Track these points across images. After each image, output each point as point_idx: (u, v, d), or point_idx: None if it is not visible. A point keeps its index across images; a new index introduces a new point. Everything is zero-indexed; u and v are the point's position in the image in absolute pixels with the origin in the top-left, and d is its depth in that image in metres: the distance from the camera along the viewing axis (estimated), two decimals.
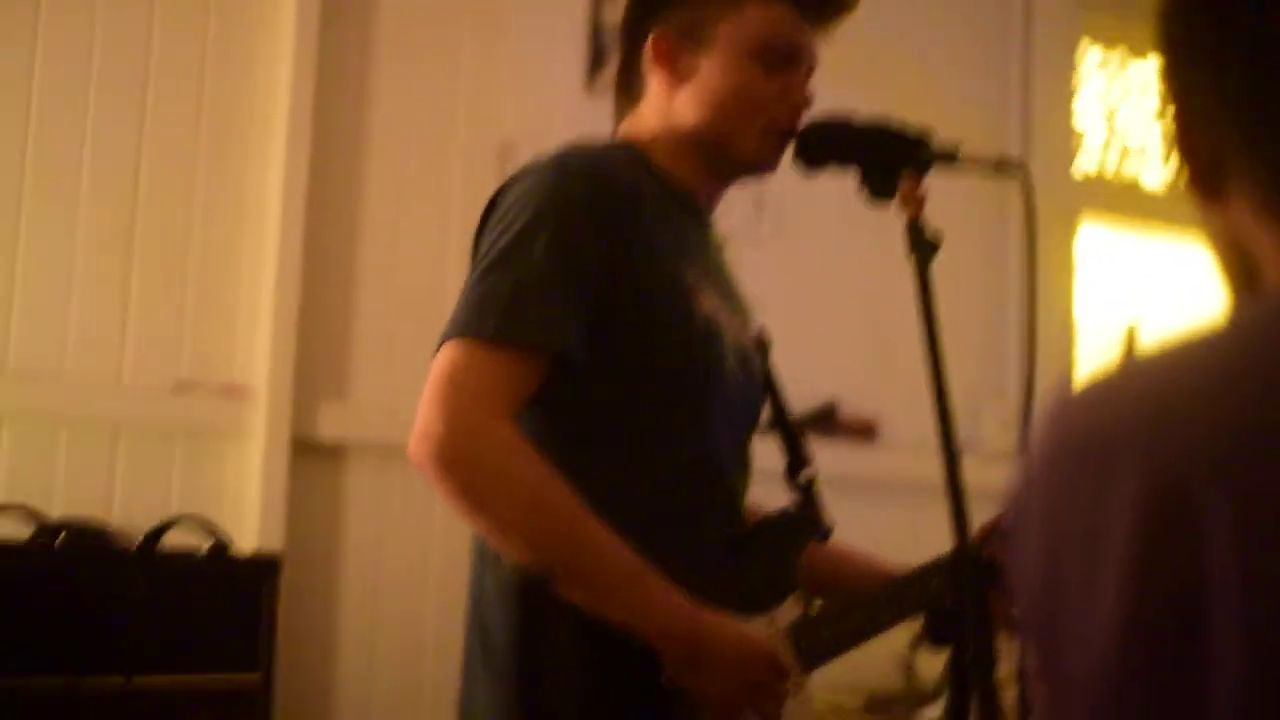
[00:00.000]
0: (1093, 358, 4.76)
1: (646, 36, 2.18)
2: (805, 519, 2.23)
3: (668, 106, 2.16)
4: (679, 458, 2.05)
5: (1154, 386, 0.79)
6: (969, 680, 1.66)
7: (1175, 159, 0.94)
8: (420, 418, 1.89)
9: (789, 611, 2.08)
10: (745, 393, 2.17)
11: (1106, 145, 4.94)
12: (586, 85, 3.94)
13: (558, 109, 3.89)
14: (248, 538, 3.28)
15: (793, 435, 2.33)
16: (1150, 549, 0.74)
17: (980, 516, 1.86)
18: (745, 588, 2.05)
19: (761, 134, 2.13)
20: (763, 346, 2.31)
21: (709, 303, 2.08)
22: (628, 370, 2.01)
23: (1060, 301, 4.64)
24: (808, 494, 2.30)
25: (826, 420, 4.34)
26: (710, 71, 2.14)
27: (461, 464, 1.87)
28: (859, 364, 4.42)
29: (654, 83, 2.18)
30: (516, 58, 3.90)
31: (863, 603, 2.14)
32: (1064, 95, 4.84)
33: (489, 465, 1.88)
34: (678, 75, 2.15)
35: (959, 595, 1.68)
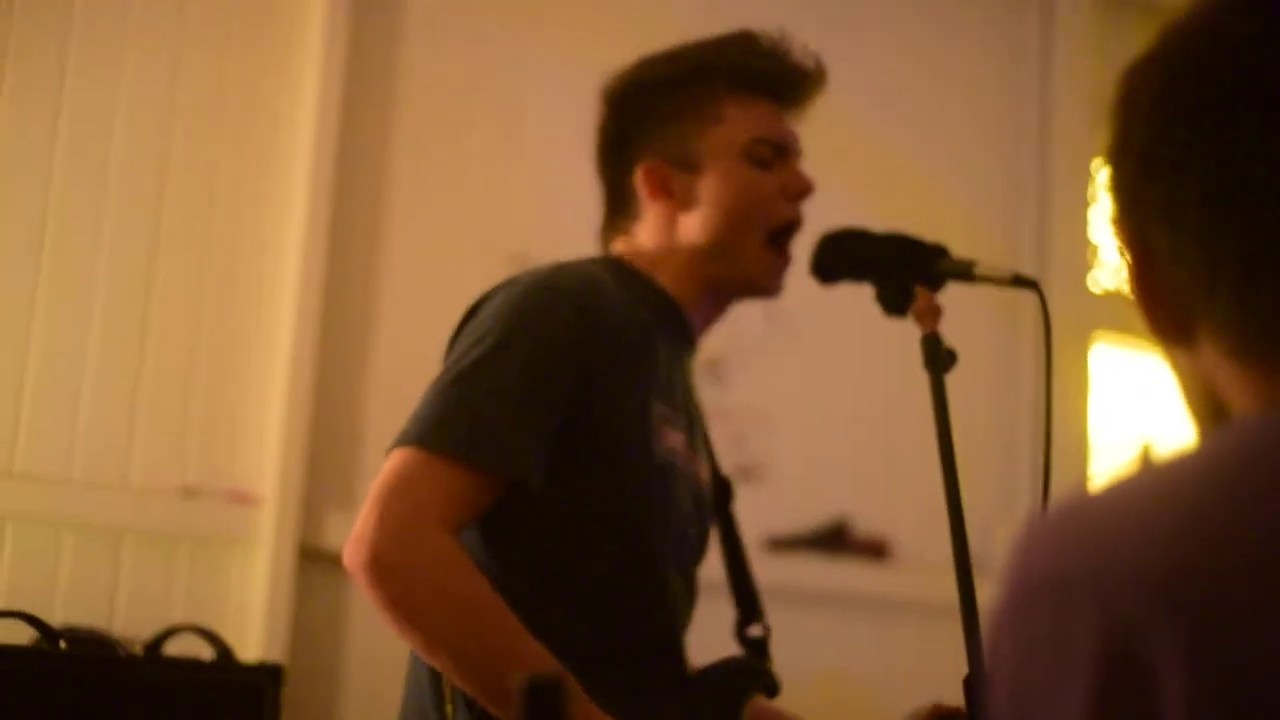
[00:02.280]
0: (1106, 477, 4.72)
1: (631, 168, 2.17)
2: (754, 671, 2.18)
3: (671, 231, 2.15)
4: (624, 592, 2.00)
5: (1109, 523, 0.78)
6: None
7: (1139, 305, 0.93)
8: (359, 522, 1.84)
9: None
10: (694, 528, 2.13)
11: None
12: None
13: (571, 217, 3.88)
14: (251, 647, 3.25)
15: (747, 588, 2.29)
16: (1106, 694, 0.73)
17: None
18: None
19: (761, 248, 2.13)
20: (726, 491, 2.27)
21: (671, 439, 2.05)
22: (578, 501, 1.96)
23: (1074, 418, 4.61)
24: (758, 649, 2.26)
25: (837, 539, 4.31)
26: (710, 188, 2.14)
27: (395, 574, 1.81)
28: (870, 481, 4.40)
29: (652, 211, 2.17)
30: (530, 166, 3.92)
31: None
32: (1079, 209, 4.84)
33: (423, 577, 1.82)
34: (676, 201, 2.14)
35: (973, 717, 1.65)
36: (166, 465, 3.37)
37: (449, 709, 1.90)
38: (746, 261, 2.14)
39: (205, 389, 3.44)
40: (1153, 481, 0.80)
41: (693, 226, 2.13)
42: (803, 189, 2.17)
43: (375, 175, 3.73)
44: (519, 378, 1.90)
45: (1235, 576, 0.72)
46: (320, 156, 3.55)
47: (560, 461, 1.93)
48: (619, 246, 2.21)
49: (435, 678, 1.95)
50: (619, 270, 2.13)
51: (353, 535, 1.84)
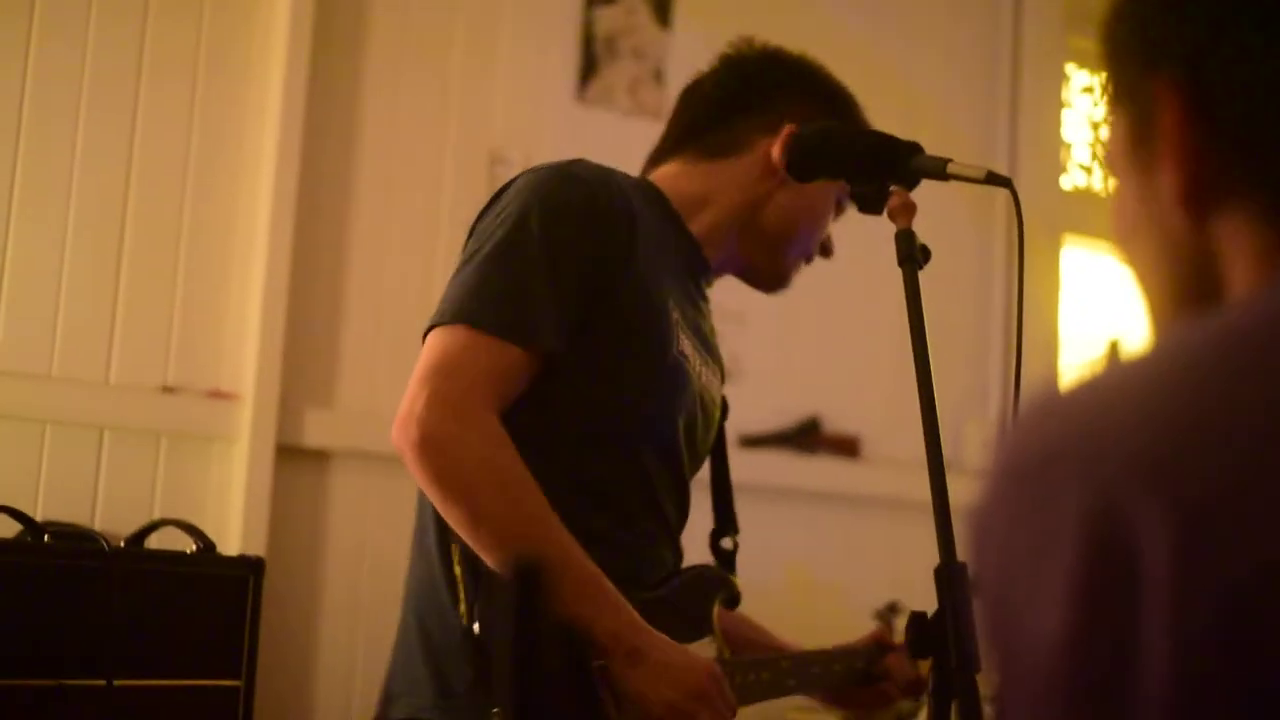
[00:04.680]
0: (1075, 374, 4.77)
1: (776, 115, 2.21)
2: (722, 580, 2.24)
3: (758, 188, 2.21)
4: (627, 482, 2.06)
5: (1098, 400, 0.78)
6: (951, 692, 1.66)
7: (1132, 172, 0.90)
8: (406, 401, 1.89)
9: (704, 649, 2.09)
10: (700, 438, 2.19)
11: (1093, 159, 4.95)
12: (577, 94, 3.95)
13: (548, 118, 3.90)
14: (231, 543, 3.28)
15: (726, 500, 2.34)
16: (1088, 572, 0.73)
17: (960, 532, 1.85)
18: (673, 615, 2.06)
19: (801, 257, 2.28)
20: (723, 410, 2.32)
21: (685, 344, 2.10)
22: (593, 388, 2.02)
23: (1045, 317, 4.65)
24: (728, 561, 2.31)
25: (809, 436, 4.35)
26: (810, 192, 2.21)
27: (443, 451, 1.87)
28: (841, 380, 4.43)
29: (758, 161, 2.22)
30: (508, 66, 3.91)
31: (771, 664, 2.19)
32: (1052, 111, 4.86)
33: (471, 455, 1.88)
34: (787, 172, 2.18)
35: (942, 606, 1.69)
36: (146, 363, 3.38)
37: (457, 570, 1.96)
38: (787, 261, 2.27)
39: (184, 287, 3.45)
40: (1143, 363, 0.79)
41: (782, 203, 2.23)
42: (829, 252, 2.34)
43: (352, 75, 3.71)
44: (539, 253, 1.96)
45: (1221, 451, 0.71)
46: (295, 58, 3.53)
47: (579, 347, 1.99)
48: (669, 170, 2.24)
49: (443, 542, 2.02)
50: (653, 194, 2.18)
51: (400, 415, 1.89)
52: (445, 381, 1.88)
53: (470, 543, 1.93)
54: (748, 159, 2.22)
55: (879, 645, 2.32)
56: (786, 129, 2.09)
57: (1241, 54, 0.84)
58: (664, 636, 1.96)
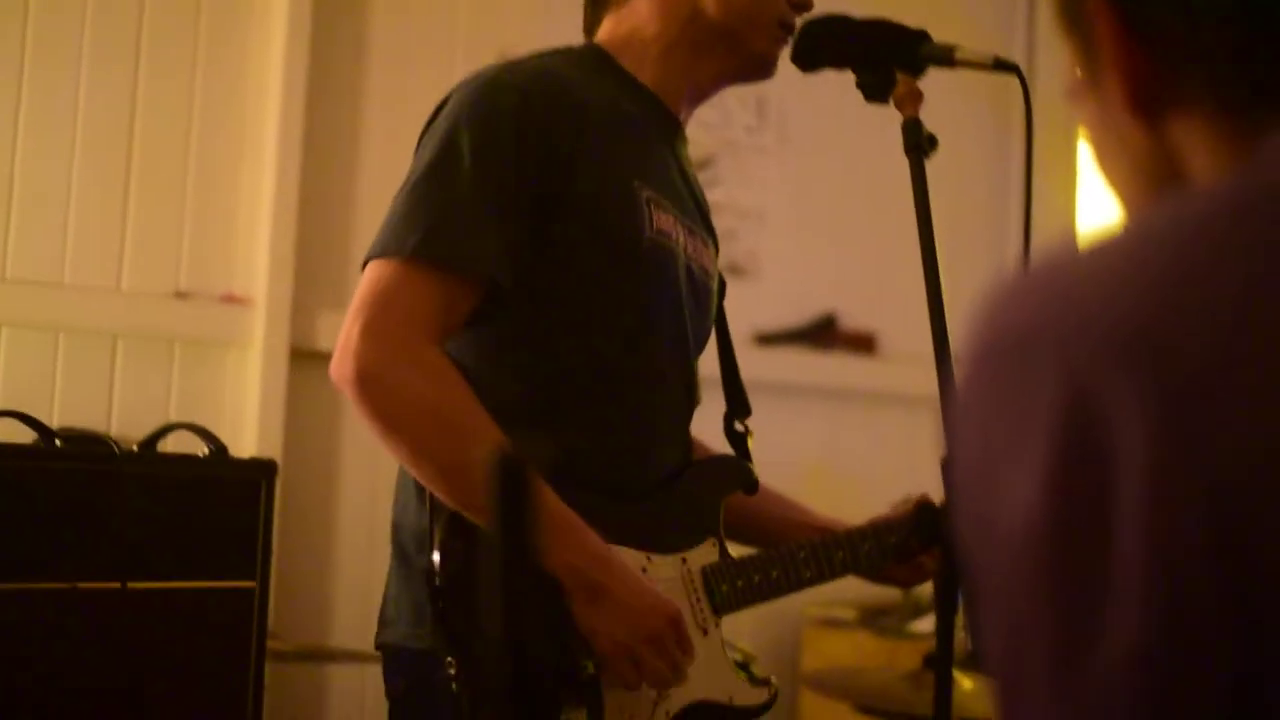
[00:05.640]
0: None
1: None
2: (735, 469, 2.22)
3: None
4: (622, 381, 2.01)
5: (1071, 279, 0.77)
6: (958, 581, 1.66)
7: (1099, 83, 0.89)
8: (343, 335, 1.84)
9: (705, 554, 2.07)
10: (694, 317, 2.12)
11: None
12: None
13: (560, 12, 3.85)
14: (245, 447, 3.29)
15: (735, 384, 2.31)
16: (1062, 460, 0.71)
17: None
18: (667, 523, 2.04)
19: (774, 27, 2.11)
20: (720, 286, 2.27)
21: (663, 221, 2.03)
22: (567, 292, 1.96)
23: (1060, 209, 4.62)
24: (741, 445, 2.28)
25: (826, 332, 4.34)
26: None
27: (381, 387, 1.82)
28: (859, 276, 4.42)
29: None
30: None
31: (785, 558, 2.13)
32: None
33: (409, 390, 1.84)
34: None
35: (949, 497, 1.68)
36: (158, 268, 3.38)
37: (429, 501, 1.92)
38: (758, 37, 2.11)
39: (195, 193, 3.44)
40: (1116, 243, 0.77)
41: None
42: (806, 4, 2.14)
43: None
44: (471, 175, 1.89)
45: (1196, 332, 0.70)
46: None
47: (546, 252, 1.93)
48: (605, 30, 2.17)
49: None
50: (598, 61, 2.11)
51: (337, 349, 1.84)
52: (380, 315, 1.83)
53: (416, 476, 1.89)
54: None
55: (920, 511, 2.28)
56: None
57: None
58: (632, 573, 1.92)
